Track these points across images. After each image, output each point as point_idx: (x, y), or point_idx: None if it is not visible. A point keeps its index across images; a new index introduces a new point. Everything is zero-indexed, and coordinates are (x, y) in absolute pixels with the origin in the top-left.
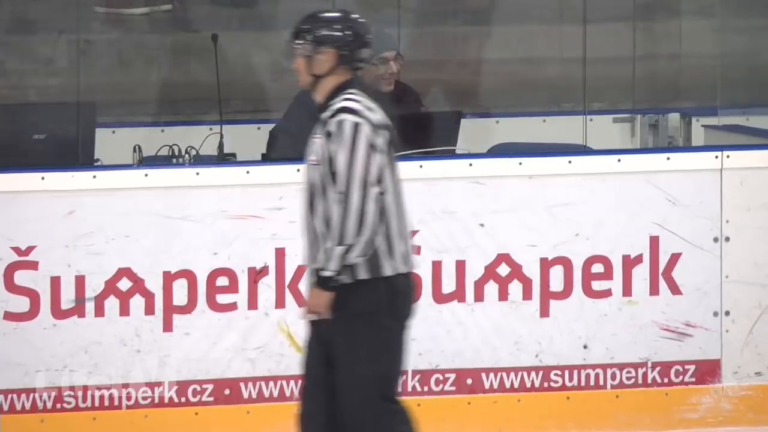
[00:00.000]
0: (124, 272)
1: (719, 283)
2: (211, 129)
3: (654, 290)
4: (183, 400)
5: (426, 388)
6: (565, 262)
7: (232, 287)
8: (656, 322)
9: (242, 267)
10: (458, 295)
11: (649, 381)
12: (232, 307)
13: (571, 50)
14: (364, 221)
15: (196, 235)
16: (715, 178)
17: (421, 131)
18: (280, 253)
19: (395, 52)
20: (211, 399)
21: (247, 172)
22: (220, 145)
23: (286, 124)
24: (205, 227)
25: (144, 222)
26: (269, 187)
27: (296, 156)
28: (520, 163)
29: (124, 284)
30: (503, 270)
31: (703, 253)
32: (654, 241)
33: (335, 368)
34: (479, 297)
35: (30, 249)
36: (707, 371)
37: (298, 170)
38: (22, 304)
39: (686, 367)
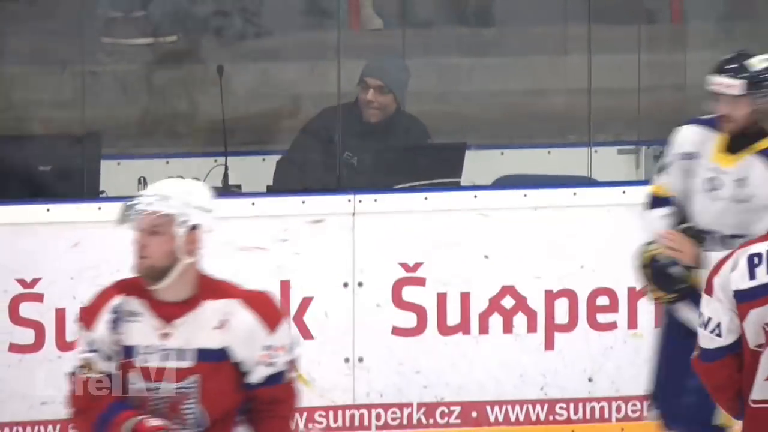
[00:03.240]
0: None
1: None
2: (215, 161)
3: (659, 323)
4: None
5: (431, 421)
6: (570, 295)
7: None
8: None
9: None
10: (463, 327)
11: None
12: None
13: (576, 82)
14: None
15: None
16: None
17: (425, 163)
18: (284, 285)
19: (380, 82)
20: None
21: (252, 204)
22: (225, 177)
23: (292, 156)
24: (210, 259)
25: None
26: (274, 219)
27: (302, 188)
28: (525, 195)
29: None
30: (508, 302)
31: None
32: None
33: None
34: (484, 329)
35: (35, 281)
36: None
37: (303, 202)
38: (27, 336)
39: None
